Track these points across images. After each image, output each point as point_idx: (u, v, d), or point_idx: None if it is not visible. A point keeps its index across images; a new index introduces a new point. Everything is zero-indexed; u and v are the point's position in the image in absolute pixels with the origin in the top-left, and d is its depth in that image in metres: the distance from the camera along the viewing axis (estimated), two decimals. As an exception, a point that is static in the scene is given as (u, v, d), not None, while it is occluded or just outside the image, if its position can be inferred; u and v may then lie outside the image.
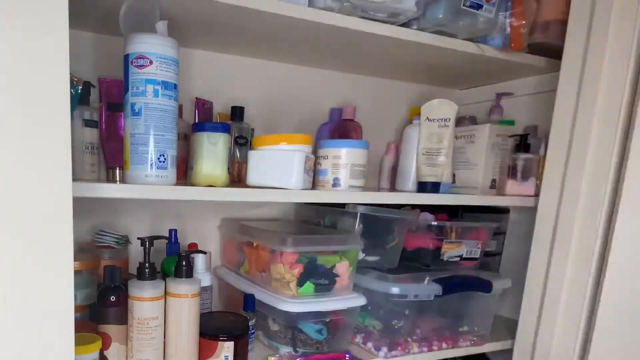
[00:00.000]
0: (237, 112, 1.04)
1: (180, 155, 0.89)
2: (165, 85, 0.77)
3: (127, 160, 0.78)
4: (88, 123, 0.87)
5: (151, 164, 0.77)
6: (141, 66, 0.76)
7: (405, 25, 0.95)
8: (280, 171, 0.87)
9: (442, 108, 1.06)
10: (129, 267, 1.02)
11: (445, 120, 1.05)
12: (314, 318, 0.99)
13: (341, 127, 1.12)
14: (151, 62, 0.75)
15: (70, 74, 0.62)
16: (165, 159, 0.78)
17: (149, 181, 0.78)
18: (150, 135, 0.77)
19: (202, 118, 1.03)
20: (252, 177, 0.89)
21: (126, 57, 0.77)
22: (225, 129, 0.84)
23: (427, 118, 1.08)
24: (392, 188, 1.21)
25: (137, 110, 0.76)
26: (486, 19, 0.99)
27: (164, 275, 0.95)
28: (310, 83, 1.23)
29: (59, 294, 0.64)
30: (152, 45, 0.75)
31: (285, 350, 0.99)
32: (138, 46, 0.75)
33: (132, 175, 0.78)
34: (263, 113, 1.19)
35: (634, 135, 0.88)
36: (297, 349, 0.99)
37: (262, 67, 1.17)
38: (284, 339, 1.00)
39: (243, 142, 1.00)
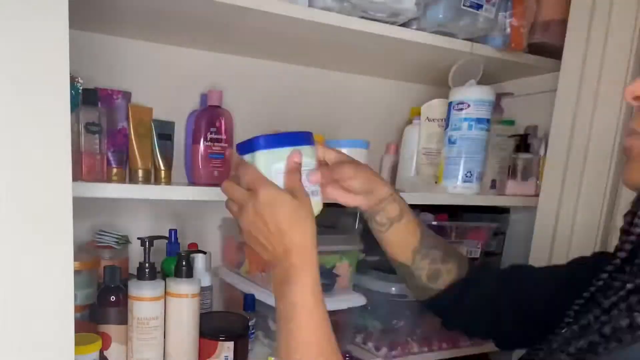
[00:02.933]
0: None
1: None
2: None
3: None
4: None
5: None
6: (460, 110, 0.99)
7: (405, 25, 0.95)
8: None
9: (441, 108, 1.06)
10: (129, 267, 1.02)
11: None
12: (314, 318, 0.99)
13: (207, 114, 0.99)
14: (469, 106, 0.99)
15: (70, 74, 0.62)
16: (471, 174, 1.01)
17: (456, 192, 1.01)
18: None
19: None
20: None
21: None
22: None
23: (427, 118, 1.08)
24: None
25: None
26: (486, 19, 0.99)
27: (164, 275, 0.95)
28: (307, 83, 1.23)
29: (59, 294, 0.64)
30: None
31: (285, 350, 0.99)
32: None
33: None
34: (262, 114, 1.19)
35: (634, 135, 0.88)
36: (297, 349, 0.99)
37: (263, 67, 1.17)
38: (284, 339, 1.00)
39: (96, 130, 0.81)
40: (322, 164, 0.71)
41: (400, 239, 0.75)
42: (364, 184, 0.72)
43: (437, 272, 0.76)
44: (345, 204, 0.74)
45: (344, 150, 0.91)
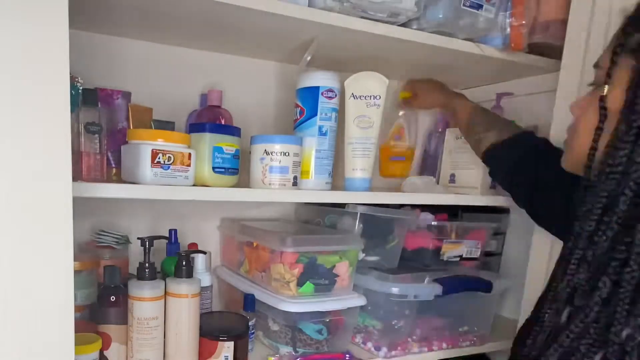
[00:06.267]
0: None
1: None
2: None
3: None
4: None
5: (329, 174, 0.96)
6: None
7: (405, 25, 0.95)
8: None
9: (368, 83, 0.93)
10: (129, 267, 1.02)
11: (375, 97, 0.94)
12: (314, 318, 0.99)
13: (207, 114, 1.03)
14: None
15: (70, 74, 0.62)
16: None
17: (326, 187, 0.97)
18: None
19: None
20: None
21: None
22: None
23: (352, 95, 0.94)
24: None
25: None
26: (486, 19, 0.99)
27: (164, 275, 0.95)
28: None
29: (59, 294, 0.64)
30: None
31: (285, 350, 0.99)
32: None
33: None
34: (261, 114, 1.19)
35: (633, 135, 0.88)
36: (297, 349, 0.99)
37: (263, 67, 1.17)
38: (284, 339, 1.00)
39: (96, 130, 0.83)
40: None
41: (459, 125, 1.09)
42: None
43: (479, 140, 1.02)
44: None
45: (277, 146, 0.88)
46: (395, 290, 1.00)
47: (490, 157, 1.00)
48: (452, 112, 1.10)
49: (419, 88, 1.17)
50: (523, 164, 0.94)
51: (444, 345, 1.10)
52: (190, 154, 0.80)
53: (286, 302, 0.94)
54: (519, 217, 1.29)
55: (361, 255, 1.06)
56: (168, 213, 1.12)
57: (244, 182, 0.91)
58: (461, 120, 1.07)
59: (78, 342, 0.70)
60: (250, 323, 0.97)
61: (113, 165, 0.91)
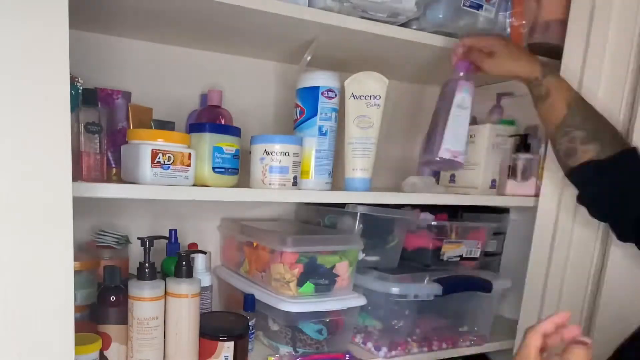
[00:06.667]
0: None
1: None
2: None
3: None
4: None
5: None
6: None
7: (405, 25, 0.95)
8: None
9: (368, 83, 0.93)
10: (129, 267, 1.02)
11: (375, 97, 0.94)
12: (314, 318, 0.99)
13: (207, 114, 1.03)
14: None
15: (70, 74, 0.62)
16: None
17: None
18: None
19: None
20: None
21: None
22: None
23: (352, 95, 0.94)
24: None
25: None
26: (486, 19, 0.99)
27: (164, 275, 0.95)
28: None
29: (59, 294, 0.64)
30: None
31: (285, 350, 1.00)
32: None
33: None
34: (261, 114, 1.19)
35: (633, 135, 0.88)
36: (297, 349, 0.99)
37: (263, 67, 1.17)
38: (284, 339, 1.00)
39: (96, 130, 0.82)
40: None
41: (545, 115, 0.90)
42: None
43: (573, 151, 0.85)
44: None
45: (277, 146, 0.88)
46: (395, 290, 1.00)
47: (584, 176, 0.84)
48: (541, 93, 0.88)
49: (497, 44, 0.91)
50: (628, 189, 0.79)
51: (444, 345, 1.10)
52: (190, 154, 0.80)
53: (286, 302, 0.94)
54: (519, 217, 1.29)
55: (361, 255, 1.06)
56: (168, 213, 1.12)
57: (244, 182, 0.91)
58: (552, 109, 0.86)
59: (78, 342, 0.70)
60: (250, 323, 0.97)
61: (113, 165, 0.91)
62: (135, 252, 0.97)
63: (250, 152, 0.90)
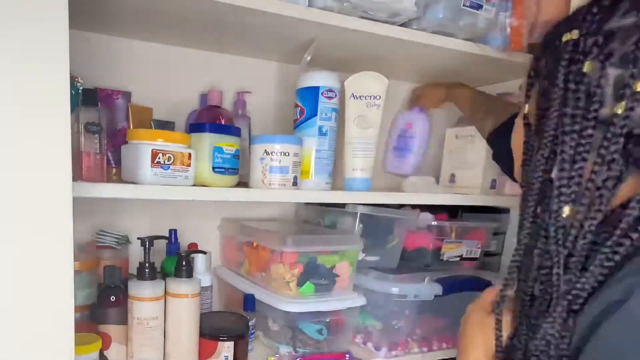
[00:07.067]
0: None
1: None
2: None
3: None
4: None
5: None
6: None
7: (405, 25, 0.95)
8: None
9: (368, 83, 0.94)
10: (129, 267, 1.02)
11: (375, 97, 0.95)
12: (314, 318, 0.99)
13: (207, 114, 1.02)
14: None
15: (70, 74, 0.62)
16: None
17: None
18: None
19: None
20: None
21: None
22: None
23: (352, 95, 0.95)
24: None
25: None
26: (486, 19, 0.99)
27: (164, 275, 0.95)
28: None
29: (59, 294, 0.64)
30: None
31: (285, 350, 1.00)
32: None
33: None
34: (261, 114, 1.19)
35: (634, 135, 0.88)
36: (297, 349, 0.99)
37: (263, 67, 1.17)
38: (284, 339, 1.00)
39: (96, 130, 0.81)
40: None
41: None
42: None
43: (481, 128, 1.04)
44: None
45: (277, 146, 0.88)
46: (395, 290, 1.00)
47: (492, 144, 1.00)
48: (455, 103, 1.12)
49: (421, 90, 1.20)
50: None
51: (444, 345, 1.10)
52: (190, 154, 0.80)
53: (286, 302, 0.94)
54: (519, 217, 1.29)
55: (361, 255, 1.06)
56: (168, 213, 1.12)
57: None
58: (464, 109, 1.10)
59: (78, 342, 0.70)
60: (250, 323, 0.97)
61: (113, 165, 0.91)
62: (135, 252, 0.97)
63: (250, 152, 0.90)
